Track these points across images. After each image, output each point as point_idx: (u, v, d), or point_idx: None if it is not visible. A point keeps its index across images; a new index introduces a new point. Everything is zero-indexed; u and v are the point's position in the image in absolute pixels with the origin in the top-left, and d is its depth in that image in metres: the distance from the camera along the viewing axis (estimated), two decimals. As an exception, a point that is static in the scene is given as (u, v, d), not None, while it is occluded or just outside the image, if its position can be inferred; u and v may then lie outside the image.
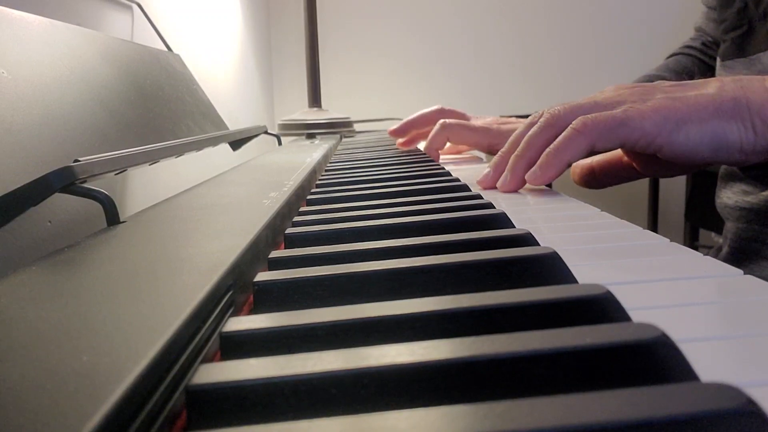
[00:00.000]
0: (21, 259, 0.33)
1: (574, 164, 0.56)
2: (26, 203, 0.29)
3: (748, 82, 0.44)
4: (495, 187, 0.50)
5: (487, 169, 0.51)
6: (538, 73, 1.93)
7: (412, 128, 0.85)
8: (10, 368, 0.14)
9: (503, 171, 0.49)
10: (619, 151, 0.54)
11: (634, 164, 0.52)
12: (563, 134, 0.45)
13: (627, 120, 0.43)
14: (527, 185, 0.48)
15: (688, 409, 0.13)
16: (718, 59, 0.73)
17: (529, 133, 0.48)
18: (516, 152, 0.49)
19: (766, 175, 0.63)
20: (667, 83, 0.47)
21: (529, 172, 0.46)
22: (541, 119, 0.48)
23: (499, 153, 0.51)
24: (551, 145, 0.45)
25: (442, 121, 0.72)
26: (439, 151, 0.74)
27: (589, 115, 0.45)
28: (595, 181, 0.56)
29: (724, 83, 0.44)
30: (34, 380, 0.13)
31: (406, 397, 0.15)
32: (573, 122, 0.45)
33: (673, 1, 1.86)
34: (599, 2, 1.93)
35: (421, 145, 0.81)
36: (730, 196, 0.67)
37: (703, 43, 0.87)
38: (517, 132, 0.51)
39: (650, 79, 0.85)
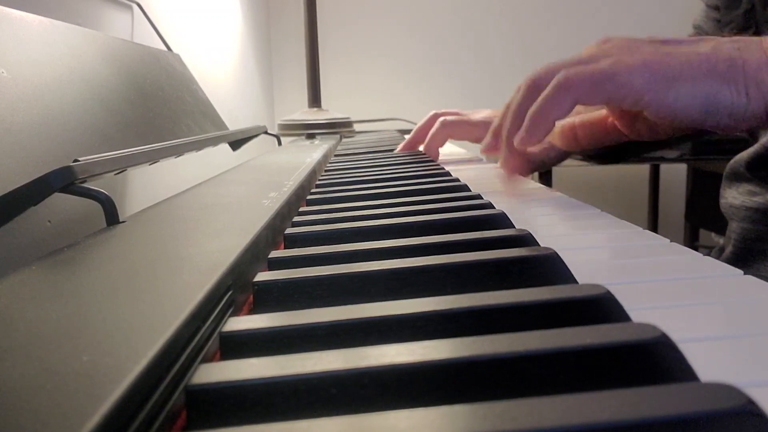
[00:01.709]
0: (20, 259, 0.33)
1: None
2: (26, 203, 0.29)
3: (746, 44, 0.42)
4: (503, 167, 0.50)
5: (488, 139, 0.51)
6: (538, 73, 1.93)
7: (419, 143, 0.83)
8: (10, 368, 0.14)
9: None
10: (603, 111, 0.51)
11: (618, 124, 0.51)
12: (546, 92, 0.43)
13: (614, 74, 0.41)
14: (527, 181, 0.48)
15: (688, 409, 0.13)
16: None
17: (513, 102, 0.47)
18: (504, 125, 0.47)
19: None
20: (659, 37, 0.45)
21: (516, 137, 0.44)
22: (522, 85, 0.46)
23: (493, 126, 0.51)
24: (534, 104, 0.43)
25: (442, 118, 0.71)
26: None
27: (572, 69, 0.42)
28: (576, 141, 0.54)
29: (720, 42, 0.42)
30: (34, 380, 0.13)
31: (406, 397, 0.15)
32: (557, 76, 0.42)
33: (674, 1, 1.86)
34: (599, 2, 1.93)
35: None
36: (736, 197, 0.67)
37: None
38: (507, 103, 0.50)
39: None
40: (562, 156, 0.67)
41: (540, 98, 0.43)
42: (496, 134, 0.49)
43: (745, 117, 0.41)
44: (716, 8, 0.79)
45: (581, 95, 0.41)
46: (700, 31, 0.88)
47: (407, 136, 0.86)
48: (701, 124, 0.42)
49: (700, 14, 0.88)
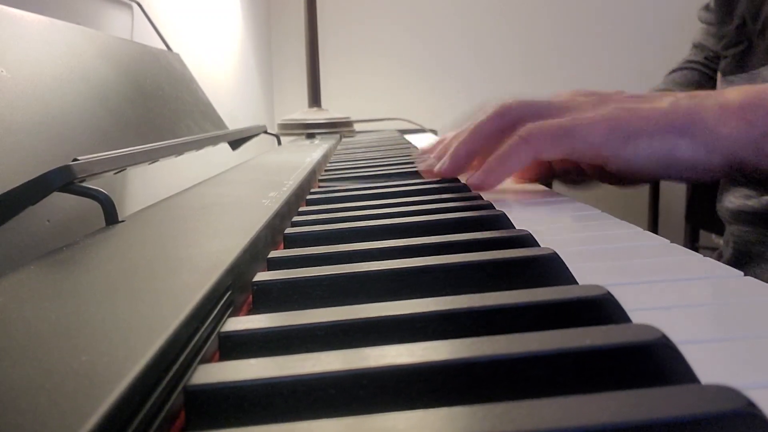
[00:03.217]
0: (19, 258, 0.33)
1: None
2: (25, 202, 0.29)
3: (704, 98, 0.42)
4: (435, 176, 0.48)
5: (431, 158, 0.50)
6: (538, 74, 1.93)
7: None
8: (9, 368, 0.14)
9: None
10: None
11: (588, 172, 0.51)
12: (509, 142, 0.43)
13: (573, 130, 0.41)
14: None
15: (688, 411, 0.13)
16: (719, 74, 0.72)
17: (476, 121, 0.46)
18: (460, 138, 0.47)
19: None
20: (626, 94, 0.46)
21: (471, 176, 0.44)
22: (491, 108, 0.46)
23: (442, 141, 0.50)
24: (496, 153, 0.44)
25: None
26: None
27: (535, 124, 0.42)
28: (551, 176, 0.54)
29: (678, 98, 0.43)
30: (33, 380, 0.13)
31: (405, 398, 0.15)
32: (520, 130, 0.43)
33: (675, 2, 1.86)
34: (599, 3, 1.93)
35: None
36: (732, 200, 0.67)
37: (706, 58, 0.86)
38: (466, 124, 0.50)
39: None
40: (582, 177, 0.62)
41: (502, 147, 0.43)
42: (440, 156, 0.48)
43: (707, 169, 0.41)
44: (713, 24, 0.79)
45: (542, 149, 0.42)
46: (700, 48, 0.88)
47: (407, 137, 0.84)
48: (663, 178, 0.43)
49: (699, 32, 0.88)
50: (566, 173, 0.52)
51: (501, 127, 0.45)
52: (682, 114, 0.41)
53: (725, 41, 0.70)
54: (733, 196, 0.67)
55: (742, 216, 0.65)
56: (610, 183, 0.50)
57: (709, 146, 0.41)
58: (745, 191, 0.66)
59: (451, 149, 0.47)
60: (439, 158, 0.49)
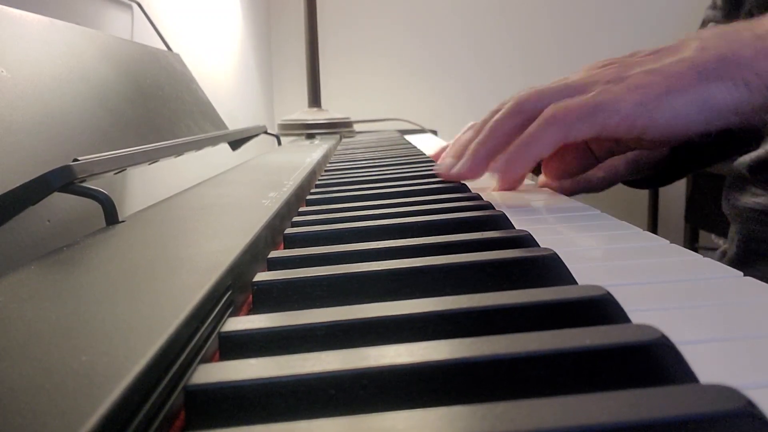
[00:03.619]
0: (20, 259, 0.33)
1: None
2: (25, 202, 0.29)
3: (734, 34, 0.39)
4: (455, 178, 0.45)
5: (449, 159, 0.46)
6: (538, 74, 1.93)
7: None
8: (9, 368, 0.14)
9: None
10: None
11: (624, 146, 0.48)
12: (532, 126, 0.40)
13: (601, 105, 0.38)
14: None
15: (688, 411, 0.13)
16: None
17: (494, 118, 0.43)
18: (477, 139, 0.43)
19: None
20: (645, 51, 0.42)
21: (494, 166, 0.41)
22: (507, 105, 0.43)
23: (459, 140, 0.46)
24: (519, 138, 0.40)
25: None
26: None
27: (559, 104, 0.39)
28: (593, 162, 0.51)
29: (705, 39, 0.39)
30: (33, 380, 0.13)
31: (405, 398, 0.15)
32: (543, 112, 0.40)
33: (676, 3, 1.86)
34: (599, 2, 1.93)
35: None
36: (739, 198, 0.67)
37: None
38: (482, 120, 0.47)
39: None
40: (608, 181, 0.59)
41: (526, 132, 0.40)
42: (458, 157, 0.44)
43: (754, 109, 0.38)
44: (718, 21, 0.78)
45: (570, 130, 0.39)
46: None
47: (407, 137, 0.83)
48: (708, 130, 0.40)
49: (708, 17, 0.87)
50: (611, 154, 0.47)
51: (521, 120, 0.42)
52: (712, 58, 0.38)
53: None
54: (739, 194, 0.67)
55: (748, 214, 0.65)
56: (652, 148, 0.45)
57: (751, 85, 0.38)
58: (752, 189, 0.66)
59: (470, 149, 0.43)
60: (458, 158, 0.45)
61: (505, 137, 0.42)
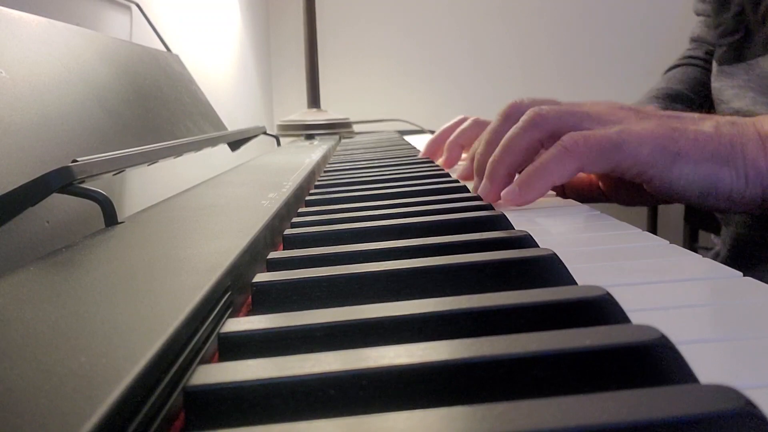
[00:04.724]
0: (19, 260, 0.33)
1: None
2: (24, 203, 0.29)
3: (743, 127, 0.41)
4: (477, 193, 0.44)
5: (476, 178, 0.45)
6: (536, 76, 1.93)
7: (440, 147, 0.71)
8: (8, 369, 0.14)
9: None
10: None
11: (602, 186, 0.50)
12: (550, 152, 0.39)
13: (622, 144, 0.39)
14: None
15: (687, 411, 0.13)
16: (715, 64, 0.71)
17: (510, 133, 0.42)
18: (494, 155, 0.42)
19: None
20: (661, 112, 0.44)
21: (506, 190, 0.41)
22: (525, 116, 0.42)
23: (478, 154, 0.45)
24: (535, 163, 0.40)
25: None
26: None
27: (580, 133, 0.39)
28: (598, 196, 0.53)
29: (719, 123, 0.41)
30: (32, 381, 0.13)
31: (404, 399, 0.15)
32: (562, 138, 0.39)
33: (673, 4, 1.86)
34: (598, 5, 1.93)
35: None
36: None
37: (707, 52, 0.83)
38: (491, 128, 0.45)
39: (662, 93, 0.80)
40: (602, 198, 0.59)
41: (543, 157, 0.40)
42: (481, 174, 0.44)
43: (743, 202, 0.40)
44: (708, 15, 0.78)
45: (587, 162, 0.39)
46: (700, 41, 0.86)
47: (406, 137, 0.83)
48: (697, 205, 0.42)
49: (697, 26, 0.87)
50: (617, 191, 0.49)
51: (539, 138, 0.42)
52: (726, 142, 0.40)
53: (721, 29, 0.69)
54: None
55: (739, 217, 0.65)
56: (640, 203, 0.48)
57: (749, 179, 0.39)
58: None
59: (488, 170, 0.42)
60: (478, 174, 0.44)
61: (522, 153, 0.42)
